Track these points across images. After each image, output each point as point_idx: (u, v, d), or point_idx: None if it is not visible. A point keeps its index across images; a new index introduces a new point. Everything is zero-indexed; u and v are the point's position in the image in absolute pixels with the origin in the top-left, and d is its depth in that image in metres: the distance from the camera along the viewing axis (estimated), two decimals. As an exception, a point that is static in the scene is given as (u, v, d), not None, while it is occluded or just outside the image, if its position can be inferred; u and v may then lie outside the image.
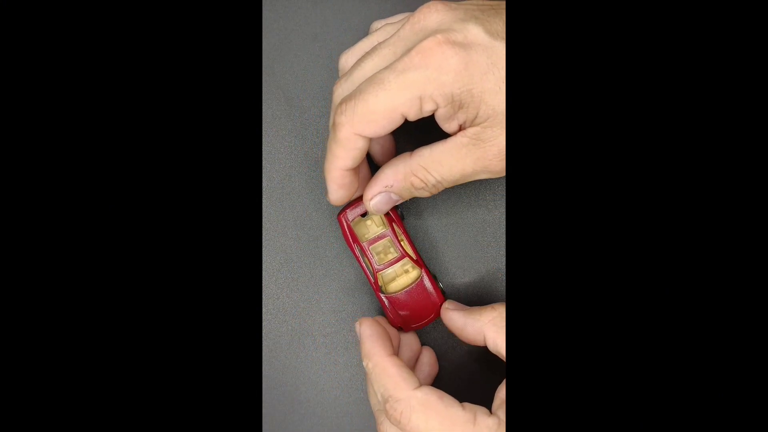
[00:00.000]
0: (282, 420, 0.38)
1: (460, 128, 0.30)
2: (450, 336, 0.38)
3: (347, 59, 0.35)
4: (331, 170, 0.32)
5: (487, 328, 0.32)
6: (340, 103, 0.30)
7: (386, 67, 0.29)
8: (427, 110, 0.29)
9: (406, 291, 0.36)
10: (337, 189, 0.33)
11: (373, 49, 0.31)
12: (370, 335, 0.33)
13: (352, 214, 0.35)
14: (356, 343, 0.38)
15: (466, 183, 0.34)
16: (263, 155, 0.39)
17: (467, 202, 0.38)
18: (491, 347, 0.32)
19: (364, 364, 0.32)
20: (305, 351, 0.38)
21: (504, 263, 0.38)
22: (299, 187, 0.39)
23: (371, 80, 0.29)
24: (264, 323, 0.38)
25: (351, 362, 0.38)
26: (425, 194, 0.33)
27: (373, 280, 0.36)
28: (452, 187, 0.37)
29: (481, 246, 0.38)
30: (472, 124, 0.29)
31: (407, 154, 0.32)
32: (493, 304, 0.33)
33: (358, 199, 0.35)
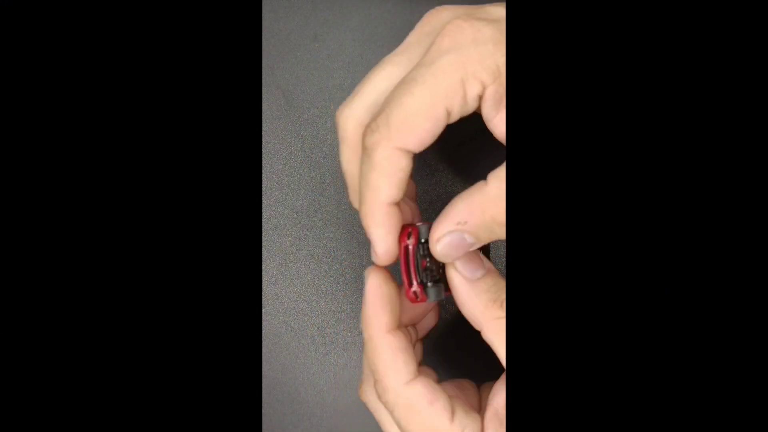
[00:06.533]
0: (282, 420, 0.38)
1: None
2: None
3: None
4: (372, 210, 0.26)
5: (486, 328, 0.27)
6: (369, 123, 0.25)
7: (414, 68, 0.25)
8: (472, 95, 0.25)
9: None
10: (386, 235, 0.26)
11: (381, 62, 0.27)
12: (373, 299, 0.27)
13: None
14: (356, 344, 0.38)
15: (465, 183, 0.33)
16: (263, 155, 0.39)
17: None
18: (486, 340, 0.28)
19: (362, 329, 0.28)
20: (305, 351, 0.38)
21: (504, 264, 0.38)
22: (299, 187, 0.39)
23: (400, 84, 0.25)
24: (264, 323, 0.38)
25: (350, 362, 0.38)
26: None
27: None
28: (451, 188, 0.37)
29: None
30: None
31: (482, 182, 0.26)
32: (503, 300, 0.27)
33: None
